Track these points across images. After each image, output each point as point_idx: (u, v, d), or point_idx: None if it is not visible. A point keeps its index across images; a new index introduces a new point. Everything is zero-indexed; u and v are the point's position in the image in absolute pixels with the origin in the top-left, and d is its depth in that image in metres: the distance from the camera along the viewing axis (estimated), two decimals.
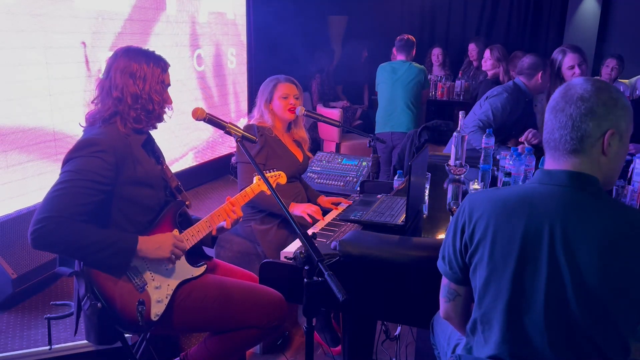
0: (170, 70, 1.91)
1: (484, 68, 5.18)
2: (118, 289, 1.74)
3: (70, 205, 1.62)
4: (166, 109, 1.90)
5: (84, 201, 1.65)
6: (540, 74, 3.19)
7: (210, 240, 2.09)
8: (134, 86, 1.78)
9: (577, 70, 3.16)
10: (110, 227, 1.77)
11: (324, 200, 2.77)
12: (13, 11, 2.80)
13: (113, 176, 1.72)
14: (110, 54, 1.87)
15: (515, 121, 3.19)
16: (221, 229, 2.05)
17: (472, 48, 6.16)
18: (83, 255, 1.69)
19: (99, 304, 1.70)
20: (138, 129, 1.84)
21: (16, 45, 2.83)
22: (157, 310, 1.79)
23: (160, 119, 1.90)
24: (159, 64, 1.84)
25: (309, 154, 2.84)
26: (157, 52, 1.89)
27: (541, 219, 1.21)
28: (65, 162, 1.71)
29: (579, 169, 1.23)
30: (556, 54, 3.25)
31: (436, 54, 6.41)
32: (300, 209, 2.46)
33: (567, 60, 3.19)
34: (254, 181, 2.11)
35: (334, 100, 5.98)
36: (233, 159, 2.69)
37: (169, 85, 1.90)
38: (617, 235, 1.17)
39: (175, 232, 1.88)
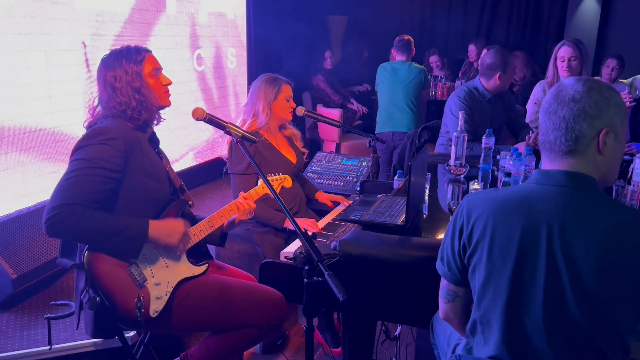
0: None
1: None
2: (117, 283, 1.74)
3: (83, 193, 1.65)
4: (153, 100, 1.87)
5: (95, 189, 1.67)
6: (498, 75, 3.14)
7: (219, 238, 2.10)
8: (116, 93, 1.81)
9: (565, 64, 3.20)
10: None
11: (322, 196, 2.76)
12: (14, 14, 2.81)
13: (123, 164, 1.74)
14: None
15: (485, 122, 3.13)
16: (231, 225, 2.06)
17: (472, 49, 6.16)
18: (96, 241, 1.71)
19: (97, 298, 1.71)
20: (138, 125, 1.86)
21: (17, 47, 2.84)
22: (156, 306, 1.79)
23: (150, 112, 1.88)
24: (132, 59, 1.84)
25: (303, 149, 2.80)
26: (134, 45, 1.89)
27: (539, 219, 1.21)
28: (75, 150, 1.73)
29: (575, 169, 1.24)
30: (557, 45, 3.31)
31: (434, 61, 6.39)
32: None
33: (560, 52, 3.25)
34: (259, 183, 2.11)
35: (345, 97, 5.97)
36: (226, 168, 2.64)
37: (155, 69, 1.87)
38: (615, 234, 1.17)
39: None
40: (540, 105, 3.48)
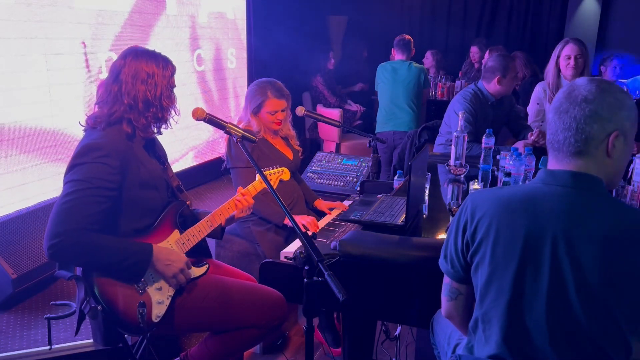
0: None
1: None
2: (118, 291, 1.73)
3: (83, 216, 1.61)
4: (172, 112, 1.88)
5: (95, 210, 1.64)
6: (497, 79, 3.15)
7: (219, 232, 2.10)
8: (147, 92, 1.76)
9: (572, 61, 3.21)
10: (117, 232, 1.76)
11: (321, 204, 2.75)
12: (15, 16, 2.81)
13: (119, 180, 1.71)
14: (110, 55, 1.87)
15: (486, 126, 3.15)
16: (230, 220, 2.06)
17: (474, 50, 6.15)
18: (101, 267, 1.70)
19: (99, 307, 1.70)
20: (144, 136, 1.83)
21: (17, 50, 2.84)
22: (158, 311, 1.79)
23: (167, 124, 1.89)
24: (168, 67, 1.83)
25: (298, 148, 2.79)
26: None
27: (544, 219, 1.21)
28: (70, 169, 1.69)
29: (582, 170, 1.23)
30: (559, 43, 3.31)
31: (429, 63, 6.36)
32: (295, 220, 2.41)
33: (565, 50, 3.25)
34: (256, 179, 2.10)
35: (341, 99, 5.95)
36: (225, 164, 2.63)
37: (174, 87, 1.89)
38: (620, 235, 1.16)
39: (176, 233, 1.88)
40: (542, 104, 3.49)
